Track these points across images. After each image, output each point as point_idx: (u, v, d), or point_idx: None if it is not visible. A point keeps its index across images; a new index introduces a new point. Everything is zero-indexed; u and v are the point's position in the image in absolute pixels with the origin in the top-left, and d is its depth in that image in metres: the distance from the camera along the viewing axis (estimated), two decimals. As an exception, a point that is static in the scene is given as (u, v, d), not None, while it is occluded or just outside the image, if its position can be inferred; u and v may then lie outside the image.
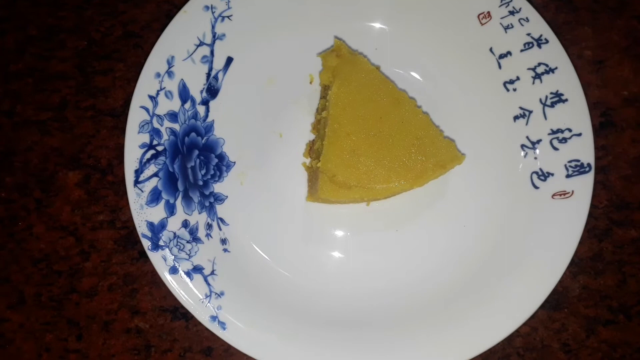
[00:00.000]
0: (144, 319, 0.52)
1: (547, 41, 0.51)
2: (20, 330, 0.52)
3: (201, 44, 0.51)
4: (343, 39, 0.53)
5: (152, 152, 0.48)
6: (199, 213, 0.49)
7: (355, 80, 0.50)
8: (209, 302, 0.46)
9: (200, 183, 0.50)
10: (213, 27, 0.51)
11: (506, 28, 0.52)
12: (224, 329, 0.45)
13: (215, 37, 0.51)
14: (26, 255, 0.53)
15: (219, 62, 0.52)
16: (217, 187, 0.51)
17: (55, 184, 0.54)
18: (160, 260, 0.46)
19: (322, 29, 0.54)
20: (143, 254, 0.52)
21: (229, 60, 0.53)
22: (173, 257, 0.47)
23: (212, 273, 0.47)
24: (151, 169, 0.48)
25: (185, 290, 0.46)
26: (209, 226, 0.50)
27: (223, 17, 0.51)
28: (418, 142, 0.49)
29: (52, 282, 0.52)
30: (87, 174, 0.54)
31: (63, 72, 0.57)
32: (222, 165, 0.52)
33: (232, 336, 0.45)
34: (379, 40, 0.54)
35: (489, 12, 0.52)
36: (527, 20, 0.51)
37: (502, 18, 0.52)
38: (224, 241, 0.50)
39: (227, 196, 0.51)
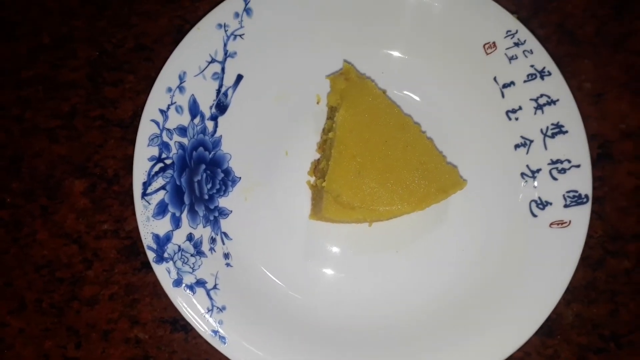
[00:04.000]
0: (144, 329, 0.52)
1: (549, 74, 0.52)
2: (20, 335, 0.52)
3: (213, 60, 0.52)
4: (351, 62, 0.55)
5: (160, 165, 0.49)
6: (204, 227, 0.50)
7: (363, 104, 0.51)
8: (210, 316, 0.47)
9: (206, 197, 0.51)
10: (225, 44, 0.52)
11: (510, 59, 0.53)
12: (225, 343, 0.46)
13: (226, 54, 0.53)
14: (29, 261, 0.53)
15: (229, 79, 0.53)
16: (222, 202, 0.52)
17: (61, 191, 0.55)
18: (164, 273, 0.47)
19: (331, 51, 0.55)
20: (145, 265, 0.53)
21: (239, 78, 0.54)
22: (177, 270, 0.47)
23: (215, 287, 0.48)
24: (159, 181, 0.49)
25: (188, 304, 0.47)
26: (212, 240, 0.50)
27: (235, 36, 0.53)
28: (422, 167, 0.50)
29: (53, 289, 0.53)
30: (93, 183, 0.55)
31: (74, 81, 0.58)
32: (227, 180, 0.53)
33: (232, 351, 0.46)
34: (386, 65, 0.55)
35: (494, 43, 0.53)
36: (531, 52, 0.53)
37: (507, 49, 0.53)
38: (226, 255, 0.50)
39: (231, 211, 0.52)
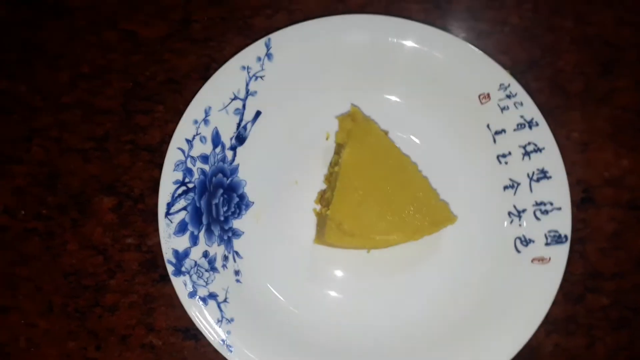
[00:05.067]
0: (158, 336, 0.57)
1: (537, 124, 0.58)
2: (46, 336, 0.57)
3: (235, 98, 0.58)
4: (359, 106, 0.61)
5: (183, 188, 0.55)
6: (218, 245, 0.56)
7: (366, 143, 0.57)
8: (220, 326, 0.52)
9: (222, 219, 0.57)
10: (247, 84, 0.59)
11: (502, 109, 0.59)
12: (231, 351, 0.51)
13: (248, 93, 0.59)
14: (58, 268, 0.59)
15: (249, 115, 0.59)
16: (236, 224, 0.58)
17: (91, 207, 0.61)
18: (181, 285, 0.52)
19: (340, 94, 0.61)
20: (163, 278, 0.58)
21: (258, 114, 0.60)
22: (192, 283, 0.53)
23: (225, 300, 0.53)
24: (181, 203, 0.55)
25: (201, 314, 0.52)
26: (225, 258, 0.56)
27: (257, 77, 0.59)
28: (416, 202, 0.55)
29: (79, 295, 0.58)
30: (120, 201, 0.61)
31: (108, 108, 0.64)
32: (242, 204, 0.58)
33: (237, 358, 0.51)
34: (390, 109, 0.61)
35: (488, 94, 0.59)
36: (521, 104, 0.58)
37: (499, 100, 0.59)
38: (237, 272, 0.56)
39: (243, 232, 0.58)
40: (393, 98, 0.62)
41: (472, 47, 0.59)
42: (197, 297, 0.52)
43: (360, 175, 0.56)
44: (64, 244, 0.60)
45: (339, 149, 0.60)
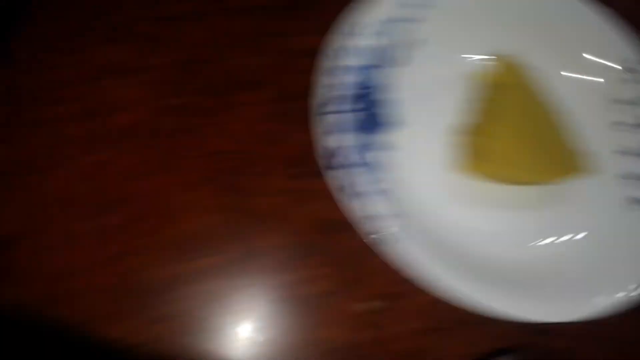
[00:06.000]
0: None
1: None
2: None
3: (399, 20, 0.61)
4: (512, 49, 0.64)
5: (338, 93, 0.56)
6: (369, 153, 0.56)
7: (520, 84, 0.61)
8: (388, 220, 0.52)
9: (368, 132, 0.58)
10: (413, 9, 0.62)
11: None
12: (397, 242, 0.51)
13: (410, 19, 0.62)
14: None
15: (408, 38, 0.62)
16: (383, 137, 0.59)
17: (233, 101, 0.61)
18: (336, 178, 0.53)
19: (501, 36, 0.65)
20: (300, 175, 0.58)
21: (424, 40, 0.63)
22: (349, 178, 0.53)
23: (385, 195, 0.54)
24: (331, 107, 0.55)
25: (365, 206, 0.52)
26: (375, 164, 0.56)
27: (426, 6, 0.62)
28: (563, 148, 0.59)
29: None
30: (266, 97, 0.61)
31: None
32: (388, 122, 0.60)
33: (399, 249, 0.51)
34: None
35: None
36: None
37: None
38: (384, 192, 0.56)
39: (389, 147, 0.59)
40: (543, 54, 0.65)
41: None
42: (354, 191, 0.53)
43: (511, 111, 0.58)
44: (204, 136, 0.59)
45: (494, 86, 0.62)
